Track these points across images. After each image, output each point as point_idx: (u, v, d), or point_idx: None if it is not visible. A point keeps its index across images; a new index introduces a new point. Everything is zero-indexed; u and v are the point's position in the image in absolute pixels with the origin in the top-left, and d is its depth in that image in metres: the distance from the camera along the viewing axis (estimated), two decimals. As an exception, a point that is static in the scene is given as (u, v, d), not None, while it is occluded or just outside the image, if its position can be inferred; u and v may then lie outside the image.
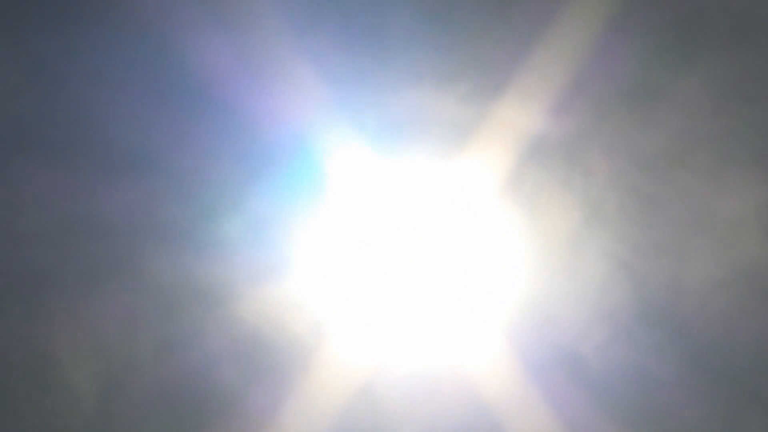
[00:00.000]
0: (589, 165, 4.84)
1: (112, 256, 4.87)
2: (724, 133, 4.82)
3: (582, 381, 4.75)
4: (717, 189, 4.81)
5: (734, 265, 4.80)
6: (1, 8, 4.92)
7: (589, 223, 4.83)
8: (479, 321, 4.84)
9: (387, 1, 4.96)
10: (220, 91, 4.87)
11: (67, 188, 4.88)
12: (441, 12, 4.94)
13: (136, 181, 4.88)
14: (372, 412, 4.81)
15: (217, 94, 4.87)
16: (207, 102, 4.89)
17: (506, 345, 4.80)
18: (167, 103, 4.87)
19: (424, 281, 4.86)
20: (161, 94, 4.88)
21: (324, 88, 4.88)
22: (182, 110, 4.88)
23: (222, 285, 4.86)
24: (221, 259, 4.87)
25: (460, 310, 4.85)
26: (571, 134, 4.85)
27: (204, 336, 4.83)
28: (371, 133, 4.86)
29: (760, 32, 4.92)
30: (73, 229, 4.87)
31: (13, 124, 4.88)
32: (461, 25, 4.93)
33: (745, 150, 4.81)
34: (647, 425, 4.73)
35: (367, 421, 4.81)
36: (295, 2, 4.95)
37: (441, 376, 4.83)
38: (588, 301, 4.81)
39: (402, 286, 4.86)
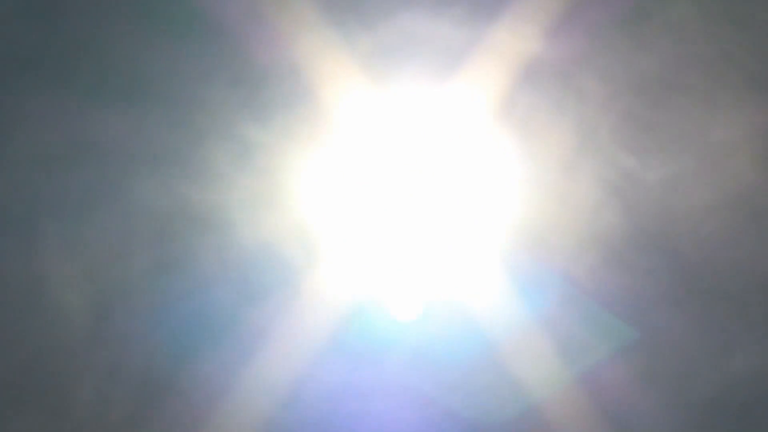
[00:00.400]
0: (583, 89, 4.83)
1: (105, 181, 4.87)
2: (718, 57, 4.80)
3: (574, 303, 4.77)
4: (710, 113, 4.81)
5: (726, 190, 4.81)
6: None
7: (583, 148, 4.83)
8: (472, 244, 4.85)
9: None
10: (213, 15, 4.83)
11: (61, 113, 4.86)
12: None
13: (130, 106, 4.86)
14: (363, 333, 4.83)
15: (211, 19, 4.84)
16: (200, 27, 4.86)
17: (499, 267, 4.82)
18: (161, 27, 4.84)
19: (416, 205, 4.86)
20: (155, 19, 4.85)
21: (317, 11, 4.85)
22: (175, 35, 4.85)
23: (214, 210, 4.86)
24: (214, 185, 4.86)
25: (452, 233, 4.86)
26: (566, 58, 4.83)
27: (196, 260, 4.84)
28: (364, 56, 4.84)
29: (755, -45, 4.90)
30: (66, 153, 4.86)
31: (7, 48, 4.85)
32: (455, -53, 4.90)
33: (739, 73, 4.80)
34: (639, 345, 4.76)
35: (357, 342, 4.83)
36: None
37: (433, 298, 4.85)
38: (580, 225, 4.82)
39: (394, 210, 4.86)
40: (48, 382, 4.83)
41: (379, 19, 4.89)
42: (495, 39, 4.84)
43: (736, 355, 4.80)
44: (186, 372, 4.85)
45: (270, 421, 4.84)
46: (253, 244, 4.84)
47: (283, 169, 4.86)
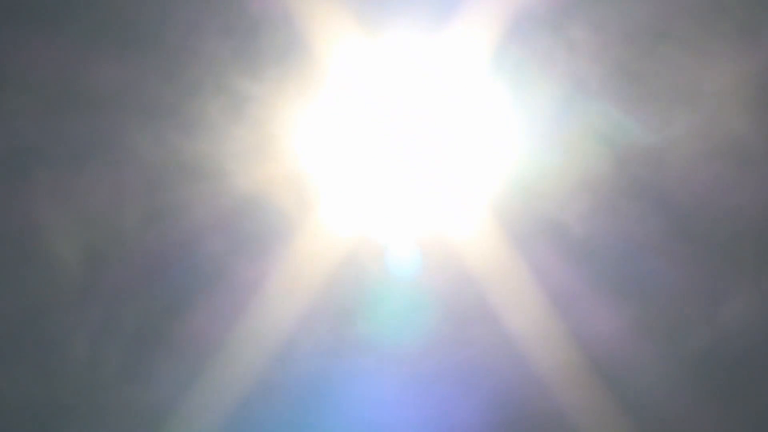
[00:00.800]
0: (574, 38, 4.85)
1: (98, 131, 4.87)
2: (708, 5, 4.83)
3: (565, 250, 4.79)
4: (701, 62, 4.83)
5: (717, 138, 4.83)
6: None
7: (573, 98, 4.85)
8: (464, 193, 4.86)
9: None
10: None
11: (54, 63, 4.87)
12: None
13: (122, 56, 4.87)
14: (357, 283, 4.84)
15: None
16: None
17: (491, 216, 4.83)
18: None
19: (408, 154, 4.88)
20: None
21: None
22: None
23: (207, 160, 4.87)
24: (206, 135, 4.87)
25: (444, 183, 4.87)
26: (556, 7, 4.85)
27: (189, 209, 4.85)
28: (357, 5, 4.85)
29: None
30: (59, 103, 4.87)
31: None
32: None
33: (730, 22, 4.82)
34: (630, 290, 4.77)
35: (352, 292, 4.84)
36: None
37: (427, 247, 4.86)
38: (571, 174, 4.83)
39: (387, 159, 4.88)
40: (40, 336, 4.83)
41: (370, -30, 4.91)
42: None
43: (727, 304, 4.81)
44: (179, 324, 4.85)
45: (263, 375, 4.84)
46: (246, 194, 4.85)
47: (275, 119, 4.87)
